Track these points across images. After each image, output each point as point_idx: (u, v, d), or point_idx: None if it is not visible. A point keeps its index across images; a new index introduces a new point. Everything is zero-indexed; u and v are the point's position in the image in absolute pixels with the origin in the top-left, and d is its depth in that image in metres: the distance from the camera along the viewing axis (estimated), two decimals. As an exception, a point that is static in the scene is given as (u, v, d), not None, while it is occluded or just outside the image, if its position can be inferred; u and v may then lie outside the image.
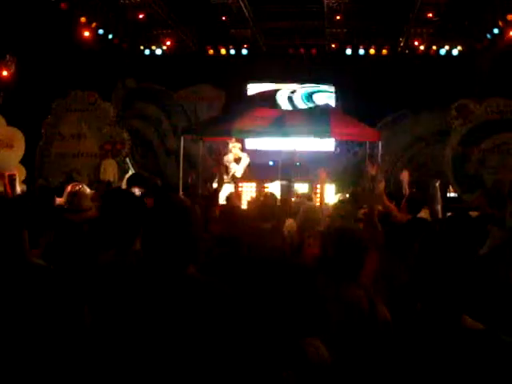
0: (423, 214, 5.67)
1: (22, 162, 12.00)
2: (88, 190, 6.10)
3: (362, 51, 15.85)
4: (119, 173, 13.68)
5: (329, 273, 2.95)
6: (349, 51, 15.92)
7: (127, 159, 14.47)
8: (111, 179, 13.31)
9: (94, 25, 14.42)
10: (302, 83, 16.71)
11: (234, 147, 11.94)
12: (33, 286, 2.50)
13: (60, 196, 5.70)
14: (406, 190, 7.68)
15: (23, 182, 10.74)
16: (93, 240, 4.09)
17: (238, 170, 11.82)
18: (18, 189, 8.46)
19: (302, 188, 10.50)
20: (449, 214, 5.61)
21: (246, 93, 16.71)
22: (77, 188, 5.31)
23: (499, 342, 2.09)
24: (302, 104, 16.11)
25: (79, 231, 4.28)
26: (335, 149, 15.82)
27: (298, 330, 2.13)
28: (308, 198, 7.39)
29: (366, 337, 2.61)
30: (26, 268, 2.57)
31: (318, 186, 8.60)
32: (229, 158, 11.74)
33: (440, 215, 6.02)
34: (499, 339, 2.10)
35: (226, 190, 9.80)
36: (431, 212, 4.95)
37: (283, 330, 2.09)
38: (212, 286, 2.35)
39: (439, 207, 5.45)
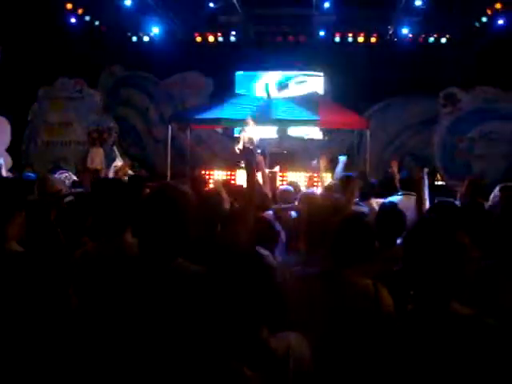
0: (408, 201, 5.69)
1: (9, 150, 11.91)
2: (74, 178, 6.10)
3: (350, 39, 15.82)
4: (106, 161, 13.60)
5: (336, 260, 2.91)
6: (337, 39, 15.89)
7: (114, 147, 14.39)
8: (98, 167, 13.25)
9: (80, 11, 14.28)
10: (290, 71, 16.67)
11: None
12: (10, 273, 2.48)
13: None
14: (397, 179, 7.67)
15: (9, 170, 10.67)
16: (63, 226, 4.07)
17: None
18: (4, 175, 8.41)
19: (294, 177, 10.53)
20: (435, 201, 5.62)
21: (235, 80, 16.67)
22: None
23: (485, 326, 2.12)
24: (290, 92, 16.05)
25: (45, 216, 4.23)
26: (323, 137, 15.81)
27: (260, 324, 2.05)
28: (295, 185, 7.36)
29: (369, 327, 2.57)
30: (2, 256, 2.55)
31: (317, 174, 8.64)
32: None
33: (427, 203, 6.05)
34: (485, 323, 2.12)
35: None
36: (417, 199, 4.95)
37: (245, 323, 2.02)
38: (197, 276, 2.34)
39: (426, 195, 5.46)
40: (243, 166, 4.34)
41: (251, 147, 9.86)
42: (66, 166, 12.78)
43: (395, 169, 7.99)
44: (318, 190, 7.00)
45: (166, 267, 2.37)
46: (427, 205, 5.64)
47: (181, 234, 2.43)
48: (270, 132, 13.05)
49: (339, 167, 7.87)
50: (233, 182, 10.36)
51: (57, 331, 2.49)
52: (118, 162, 10.87)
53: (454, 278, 2.19)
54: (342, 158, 7.99)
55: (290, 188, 6.78)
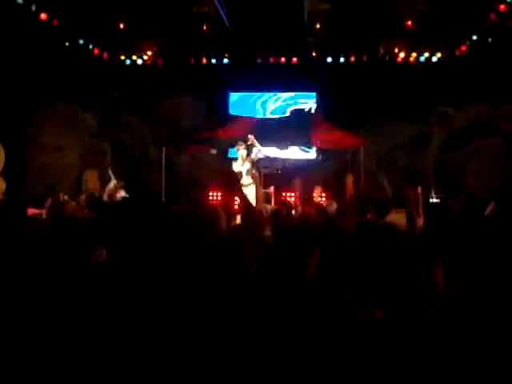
0: (399, 217, 5.70)
1: (3, 173, 11.91)
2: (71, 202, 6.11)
3: (342, 59, 15.96)
4: (101, 183, 13.60)
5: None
6: (329, 59, 16.03)
7: (109, 169, 14.40)
8: (93, 190, 13.24)
9: (74, 35, 14.38)
10: (283, 92, 16.78)
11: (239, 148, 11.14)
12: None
13: (39, 206, 5.69)
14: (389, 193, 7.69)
15: (4, 194, 10.68)
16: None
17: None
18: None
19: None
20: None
21: (228, 102, 16.77)
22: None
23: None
24: (282, 113, 16.14)
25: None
26: (317, 156, 15.86)
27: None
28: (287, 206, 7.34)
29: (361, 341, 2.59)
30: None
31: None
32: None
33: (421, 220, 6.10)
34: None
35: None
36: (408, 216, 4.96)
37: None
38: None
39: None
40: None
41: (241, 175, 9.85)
42: (61, 190, 12.77)
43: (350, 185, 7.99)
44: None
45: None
46: (421, 221, 5.69)
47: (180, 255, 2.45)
48: (265, 152, 13.12)
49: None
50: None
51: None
52: (113, 185, 10.90)
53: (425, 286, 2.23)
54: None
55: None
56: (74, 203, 6.29)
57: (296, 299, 2.77)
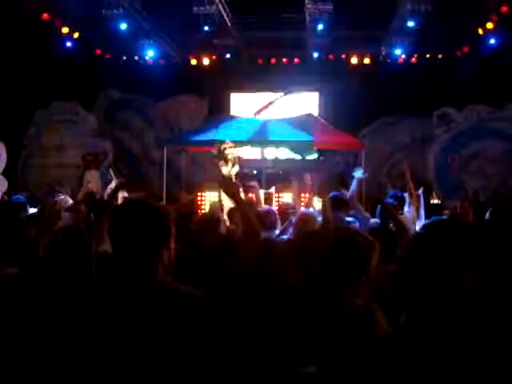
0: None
1: (4, 173, 11.91)
2: (70, 201, 6.10)
3: (344, 60, 15.95)
4: (102, 184, 13.59)
5: (329, 280, 2.88)
6: (331, 60, 16.02)
7: (110, 170, 14.38)
8: (94, 190, 13.23)
9: (76, 35, 14.37)
10: (284, 92, 16.76)
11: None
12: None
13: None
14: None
15: (5, 193, 10.67)
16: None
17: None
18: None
19: (285, 198, 10.46)
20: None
21: (230, 102, 16.76)
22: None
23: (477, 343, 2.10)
24: (284, 113, 16.12)
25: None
26: (319, 157, 15.83)
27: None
28: (292, 207, 7.26)
29: (363, 350, 2.53)
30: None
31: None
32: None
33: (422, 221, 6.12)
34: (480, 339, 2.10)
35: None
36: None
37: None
38: (179, 294, 2.32)
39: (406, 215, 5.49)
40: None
41: (232, 178, 9.74)
42: (62, 189, 12.77)
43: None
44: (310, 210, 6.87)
45: (144, 283, 2.33)
46: (421, 222, 5.69)
47: (156, 249, 2.40)
48: (266, 152, 13.09)
49: (353, 184, 7.00)
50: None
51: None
52: (114, 185, 10.86)
53: (453, 297, 2.15)
54: (358, 174, 6.97)
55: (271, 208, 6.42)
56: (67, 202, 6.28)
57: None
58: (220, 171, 10.41)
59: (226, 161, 10.41)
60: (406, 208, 6.39)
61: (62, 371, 2.27)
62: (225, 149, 10.44)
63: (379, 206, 5.69)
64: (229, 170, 10.30)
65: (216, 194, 10.91)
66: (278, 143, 12.40)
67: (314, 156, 13.69)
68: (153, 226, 2.38)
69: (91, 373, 2.23)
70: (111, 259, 2.45)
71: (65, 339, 2.29)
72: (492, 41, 13.75)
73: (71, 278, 3.11)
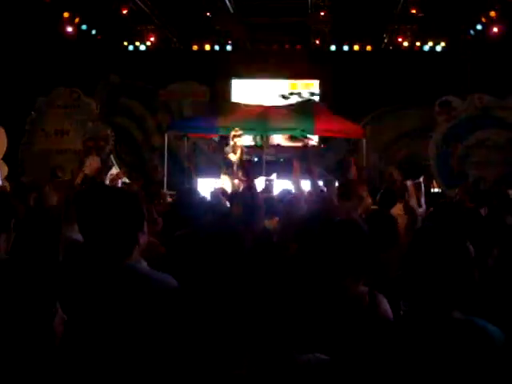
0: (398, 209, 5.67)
1: (5, 158, 11.90)
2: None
3: (346, 47, 15.89)
4: (103, 169, 13.58)
5: (331, 268, 2.84)
6: (333, 47, 15.96)
7: (111, 156, 14.38)
8: (90, 175, 13.22)
9: (77, 20, 14.31)
10: (286, 79, 16.70)
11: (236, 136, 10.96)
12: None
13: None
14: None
15: (5, 178, 10.66)
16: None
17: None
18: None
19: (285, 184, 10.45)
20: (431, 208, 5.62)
21: (231, 89, 16.71)
22: None
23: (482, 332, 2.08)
24: (285, 100, 16.09)
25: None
26: (319, 144, 15.82)
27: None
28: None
29: (365, 337, 2.51)
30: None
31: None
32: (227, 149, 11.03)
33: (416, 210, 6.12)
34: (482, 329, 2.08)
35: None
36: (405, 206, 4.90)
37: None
38: (149, 280, 2.31)
39: (414, 202, 5.46)
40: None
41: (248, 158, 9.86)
42: (63, 175, 12.75)
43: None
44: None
45: (116, 268, 2.32)
46: (421, 210, 5.69)
47: (129, 235, 2.38)
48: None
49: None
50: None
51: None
52: (115, 171, 10.87)
53: (460, 286, 2.12)
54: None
55: None
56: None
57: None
58: (226, 158, 10.48)
59: (235, 148, 10.49)
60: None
61: (32, 356, 2.28)
62: (234, 136, 10.53)
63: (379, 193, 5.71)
64: (237, 157, 10.37)
65: (216, 179, 11.00)
66: (278, 131, 12.38)
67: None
68: (122, 213, 2.36)
69: (62, 356, 2.25)
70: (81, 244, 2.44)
71: (32, 323, 2.31)
72: (495, 29, 13.69)
73: (40, 262, 3.08)
